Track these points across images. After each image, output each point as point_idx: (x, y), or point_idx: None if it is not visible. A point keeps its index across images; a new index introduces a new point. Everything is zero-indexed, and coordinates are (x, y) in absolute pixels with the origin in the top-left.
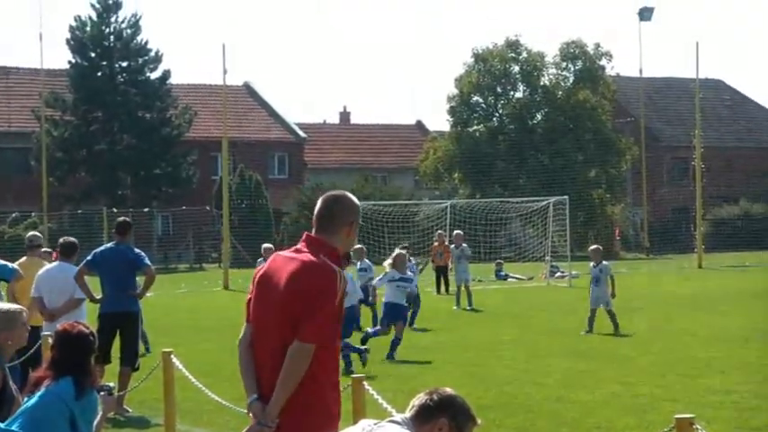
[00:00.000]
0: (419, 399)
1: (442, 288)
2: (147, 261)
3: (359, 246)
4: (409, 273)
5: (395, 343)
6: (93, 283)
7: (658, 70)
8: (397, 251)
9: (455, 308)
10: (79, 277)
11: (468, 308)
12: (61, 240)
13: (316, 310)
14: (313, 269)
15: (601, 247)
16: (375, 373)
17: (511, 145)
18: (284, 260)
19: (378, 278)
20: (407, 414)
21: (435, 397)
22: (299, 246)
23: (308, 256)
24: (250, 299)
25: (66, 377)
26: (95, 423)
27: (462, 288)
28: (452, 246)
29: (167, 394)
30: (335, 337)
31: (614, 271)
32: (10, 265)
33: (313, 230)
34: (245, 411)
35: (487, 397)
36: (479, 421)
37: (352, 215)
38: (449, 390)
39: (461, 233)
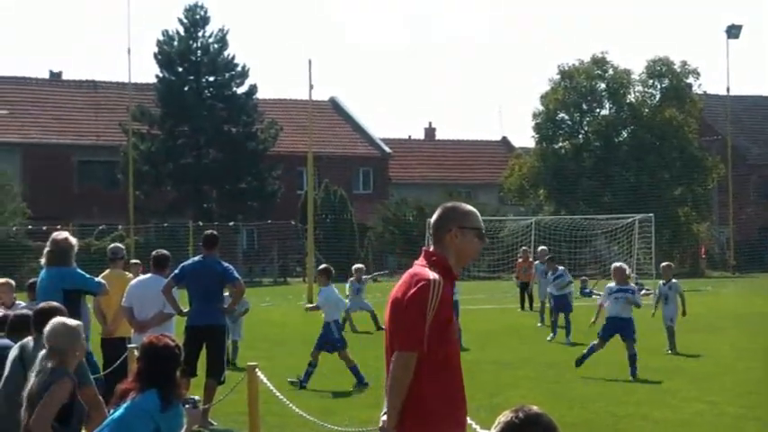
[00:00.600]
0: (505, 416)
1: (526, 304)
2: (236, 274)
3: (359, 265)
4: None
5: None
6: (182, 295)
7: (746, 89)
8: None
9: (539, 324)
10: (167, 291)
11: (539, 324)
12: (154, 253)
13: (404, 318)
14: (409, 280)
15: (672, 264)
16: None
17: (596, 162)
18: (405, 276)
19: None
20: (492, 431)
21: (521, 414)
22: (417, 261)
23: (415, 269)
24: None
25: (152, 389)
26: None
27: (547, 304)
28: (537, 262)
29: (252, 407)
30: (418, 345)
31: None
32: (96, 278)
33: None
34: (328, 425)
35: (571, 415)
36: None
37: (451, 222)
38: (535, 408)
39: (546, 249)
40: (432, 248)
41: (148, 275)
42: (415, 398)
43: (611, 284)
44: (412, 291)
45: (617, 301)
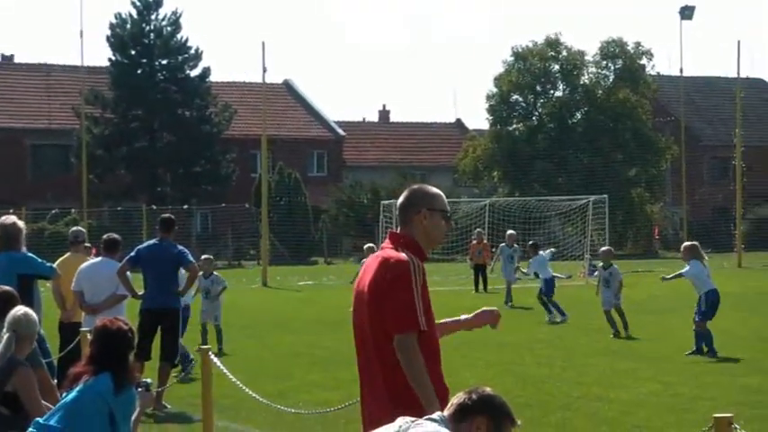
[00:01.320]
0: (458, 397)
1: (480, 286)
2: (191, 258)
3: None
4: None
5: None
6: (135, 279)
7: (699, 69)
8: None
9: (507, 306)
10: (121, 273)
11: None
12: (105, 236)
13: (393, 300)
14: (386, 262)
15: (612, 250)
16: None
17: (550, 144)
18: (372, 260)
19: None
20: (446, 412)
21: (474, 396)
22: (383, 243)
23: (385, 252)
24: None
25: (105, 373)
26: (133, 418)
27: (513, 285)
28: (503, 244)
29: (205, 391)
30: (418, 323)
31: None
32: (48, 263)
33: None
34: (282, 408)
35: (525, 395)
36: (519, 422)
37: (420, 204)
38: (488, 389)
39: (514, 233)
40: (398, 230)
41: (99, 259)
42: (401, 386)
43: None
44: (393, 272)
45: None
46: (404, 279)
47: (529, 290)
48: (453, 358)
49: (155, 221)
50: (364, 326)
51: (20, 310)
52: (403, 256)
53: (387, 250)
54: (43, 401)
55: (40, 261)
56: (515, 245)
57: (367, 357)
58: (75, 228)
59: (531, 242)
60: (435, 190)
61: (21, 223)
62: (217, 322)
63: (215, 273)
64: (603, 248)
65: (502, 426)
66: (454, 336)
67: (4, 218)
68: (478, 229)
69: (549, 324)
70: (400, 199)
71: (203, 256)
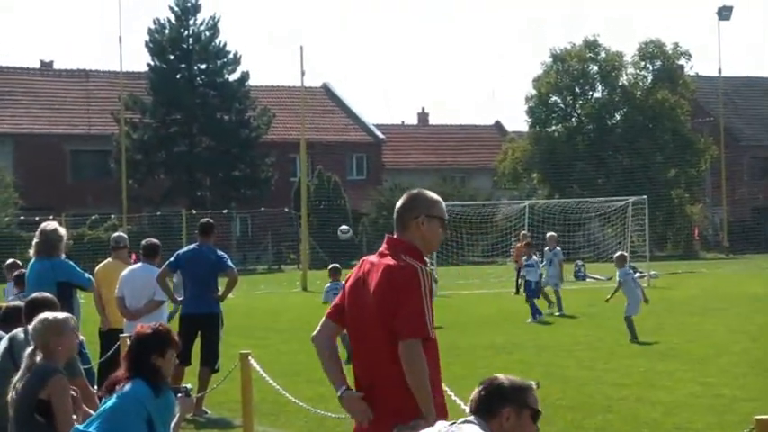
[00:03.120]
0: (473, 393)
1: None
2: (230, 263)
3: None
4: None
5: None
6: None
7: (737, 70)
8: None
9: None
10: (161, 279)
11: (557, 313)
12: (144, 242)
13: (404, 306)
14: (393, 270)
15: (626, 254)
16: (450, 375)
17: (589, 145)
18: (371, 265)
19: None
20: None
21: (483, 390)
22: (381, 248)
23: (389, 259)
24: (338, 300)
25: (140, 378)
26: (173, 424)
27: (553, 291)
28: (546, 248)
29: (245, 395)
30: (427, 330)
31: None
32: (86, 274)
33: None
34: (322, 412)
35: (566, 398)
36: (534, 384)
37: (419, 209)
38: (495, 375)
39: (555, 235)
40: (396, 235)
41: (139, 264)
42: (405, 386)
43: None
44: (401, 278)
45: None
46: (414, 285)
47: (566, 292)
48: (493, 361)
49: (194, 226)
50: (365, 328)
51: (42, 315)
52: (411, 262)
53: (389, 257)
54: (86, 408)
55: (79, 270)
56: (557, 247)
57: (369, 358)
58: (116, 233)
59: (525, 241)
60: (435, 196)
61: (62, 230)
62: None
63: None
64: (617, 254)
65: (525, 402)
66: (493, 338)
67: (45, 224)
68: (524, 232)
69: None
70: (399, 203)
71: None
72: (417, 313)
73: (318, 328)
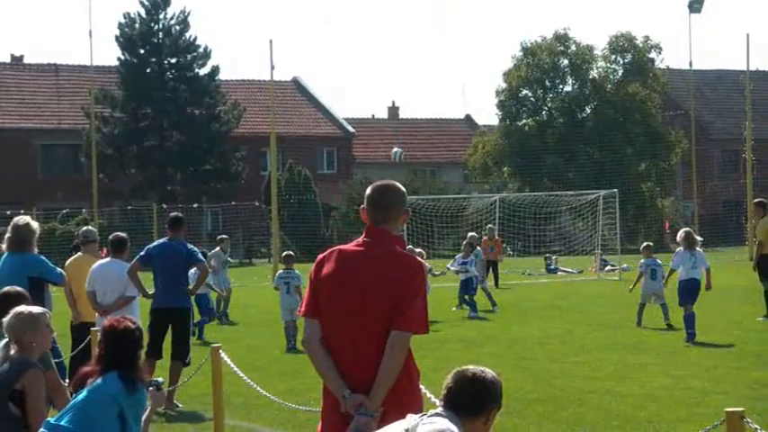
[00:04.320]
0: (450, 387)
1: (491, 282)
2: (201, 257)
3: (419, 249)
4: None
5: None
6: (146, 278)
7: (708, 63)
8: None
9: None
10: (132, 273)
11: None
12: (111, 237)
13: (415, 299)
14: (402, 260)
15: (651, 244)
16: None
17: (560, 139)
18: (359, 254)
19: None
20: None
21: (451, 383)
22: (364, 239)
23: (388, 248)
24: (312, 297)
25: (113, 372)
26: (144, 418)
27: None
28: (478, 248)
29: (216, 389)
30: (427, 327)
31: (663, 264)
32: (58, 269)
33: (372, 223)
34: (293, 406)
35: (537, 391)
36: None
37: (404, 203)
38: (462, 368)
39: (476, 235)
40: (382, 228)
41: (108, 259)
42: (405, 376)
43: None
44: (409, 273)
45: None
46: (419, 281)
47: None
48: (465, 354)
49: (165, 220)
50: (351, 321)
51: (16, 309)
52: (414, 257)
53: (385, 247)
54: (56, 400)
55: (50, 266)
56: (478, 247)
57: (342, 344)
58: (85, 228)
59: (466, 241)
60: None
61: (35, 224)
62: (227, 285)
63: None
64: (645, 244)
65: (500, 399)
66: (464, 331)
67: (17, 218)
68: (490, 225)
69: (470, 319)
70: (385, 195)
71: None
72: (423, 309)
73: (307, 331)
